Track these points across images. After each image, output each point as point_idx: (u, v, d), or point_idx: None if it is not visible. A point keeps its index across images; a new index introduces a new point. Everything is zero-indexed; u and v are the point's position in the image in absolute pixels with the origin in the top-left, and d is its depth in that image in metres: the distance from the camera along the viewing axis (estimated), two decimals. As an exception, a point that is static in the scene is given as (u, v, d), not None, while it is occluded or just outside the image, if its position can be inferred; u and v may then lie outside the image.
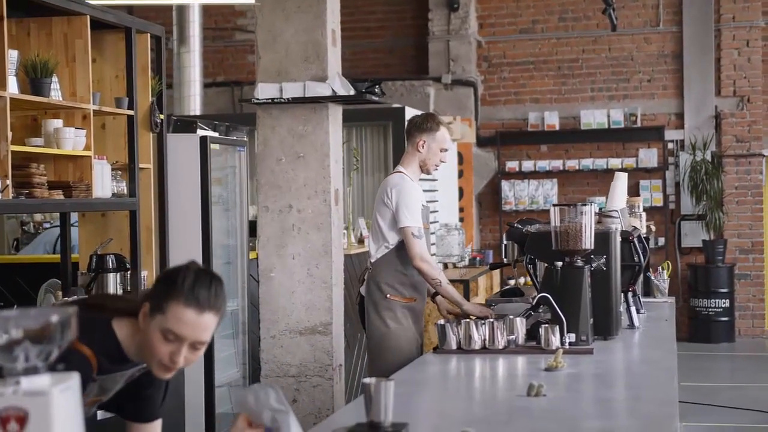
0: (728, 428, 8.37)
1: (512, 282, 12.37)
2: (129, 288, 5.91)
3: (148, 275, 6.11)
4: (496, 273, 11.74)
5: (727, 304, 12.75)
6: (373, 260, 5.54)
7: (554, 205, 4.65)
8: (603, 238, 4.72)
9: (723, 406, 9.03)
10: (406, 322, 5.45)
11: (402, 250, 5.41)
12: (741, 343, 12.80)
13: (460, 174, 12.91)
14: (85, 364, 2.69)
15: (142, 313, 2.72)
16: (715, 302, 12.72)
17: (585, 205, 4.59)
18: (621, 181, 5.82)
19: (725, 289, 12.75)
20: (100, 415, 4.69)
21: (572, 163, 13.28)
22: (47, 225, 9.29)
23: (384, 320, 5.44)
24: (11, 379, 1.80)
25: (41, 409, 1.77)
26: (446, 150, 5.61)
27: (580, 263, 4.57)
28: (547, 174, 13.37)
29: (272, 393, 2.64)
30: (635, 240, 5.22)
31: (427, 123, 5.55)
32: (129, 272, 5.89)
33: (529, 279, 11.94)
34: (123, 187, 5.91)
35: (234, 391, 7.21)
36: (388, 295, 5.46)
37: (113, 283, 5.69)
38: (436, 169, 5.71)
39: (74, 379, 1.85)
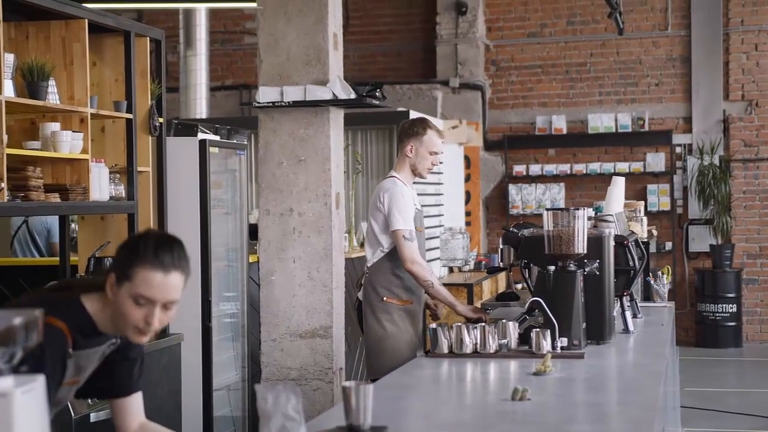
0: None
1: (519, 286, 12.38)
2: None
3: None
4: (502, 277, 11.73)
5: (735, 309, 12.71)
6: (369, 264, 5.61)
7: (547, 210, 4.65)
8: (596, 242, 4.71)
9: (727, 411, 9.01)
10: (403, 325, 5.49)
11: (397, 253, 5.45)
12: (748, 348, 12.76)
13: (468, 178, 12.91)
14: (60, 336, 2.76)
15: (109, 284, 2.80)
16: (723, 307, 12.68)
17: (578, 209, 4.59)
18: (618, 185, 5.82)
19: (732, 294, 12.72)
20: (94, 417, 4.73)
21: (580, 167, 13.26)
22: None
23: (381, 323, 5.49)
24: (-26, 381, 1.82)
25: (3, 411, 1.79)
26: (436, 153, 5.65)
27: (572, 268, 4.57)
28: (555, 178, 13.36)
29: (293, 399, 2.67)
30: (630, 244, 5.21)
31: (414, 128, 5.63)
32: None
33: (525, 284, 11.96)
34: (121, 190, 5.94)
35: (233, 394, 7.23)
36: (384, 298, 5.52)
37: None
38: (430, 172, 5.75)
39: (38, 381, 1.86)
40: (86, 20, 5.57)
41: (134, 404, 3.11)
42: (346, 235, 8.05)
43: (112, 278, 2.80)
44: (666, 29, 13.28)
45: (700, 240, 13.07)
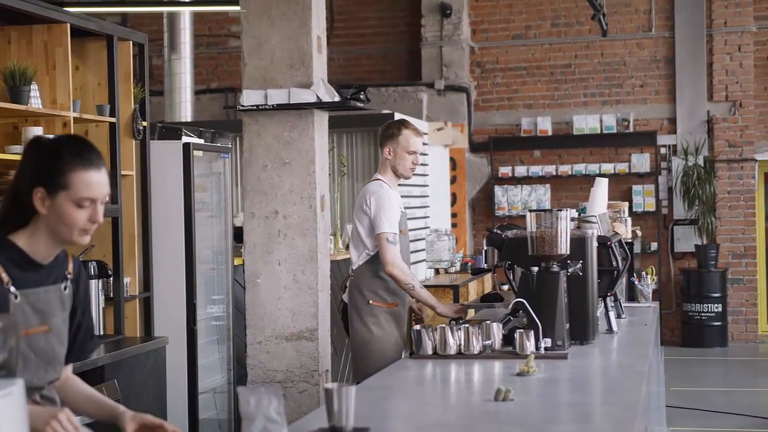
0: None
1: (505, 287, 12.39)
2: (112, 295, 5.92)
3: (130, 282, 6.13)
4: (488, 278, 11.74)
5: (720, 309, 12.76)
6: (354, 267, 5.63)
7: (530, 211, 4.66)
8: (579, 243, 4.73)
9: (713, 410, 9.04)
10: (389, 328, 5.51)
11: None
12: (734, 348, 12.81)
13: (453, 180, 12.93)
14: None
15: (38, 198, 2.78)
16: (708, 307, 12.73)
17: (561, 210, 4.60)
18: (601, 186, 5.83)
19: (718, 294, 12.76)
20: (78, 420, 4.71)
21: (565, 169, 13.30)
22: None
23: (367, 326, 5.51)
24: (-48, 386, 1.82)
25: (-19, 415, 1.79)
26: (415, 152, 5.68)
27: (555, 268, 4.58)
28: (540, 179, 13.39)
29: (275, 402, 2.68)
30: (614, 245, 5.22)
31: (389, 130, 5.73)
32: (111, 279, 5.91)
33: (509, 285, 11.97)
34: (105, 194, 5.93)
35: (219, 397, 7.22)
36: (370, 301, 5.55)
37: (95, 290, 5.69)
38: (413, 171, 5.76)
39: (17, 386, 1.87)
40: (68, 24, 5.57)
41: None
42: (332, 237, 8.06)
43: (40, 193, 2.78)
44: (650, 30, 13.33)
45: (686, 240, 13.11)
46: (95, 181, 2.80)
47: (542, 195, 13.37)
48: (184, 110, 10.59)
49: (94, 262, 5.73)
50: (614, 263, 5.21)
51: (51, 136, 2.89)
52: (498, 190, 13.45)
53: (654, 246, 13.07)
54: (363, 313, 5.54)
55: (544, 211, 4.64)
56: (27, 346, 2.79)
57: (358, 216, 5.61)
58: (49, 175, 2.78)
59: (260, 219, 6.09)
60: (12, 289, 2.78)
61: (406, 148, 5.66)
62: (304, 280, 6.09)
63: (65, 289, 2.93)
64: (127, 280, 6.02)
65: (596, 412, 3.31)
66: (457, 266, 10.82)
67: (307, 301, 6.08)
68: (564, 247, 4.56)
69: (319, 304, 6.08)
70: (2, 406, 1.80)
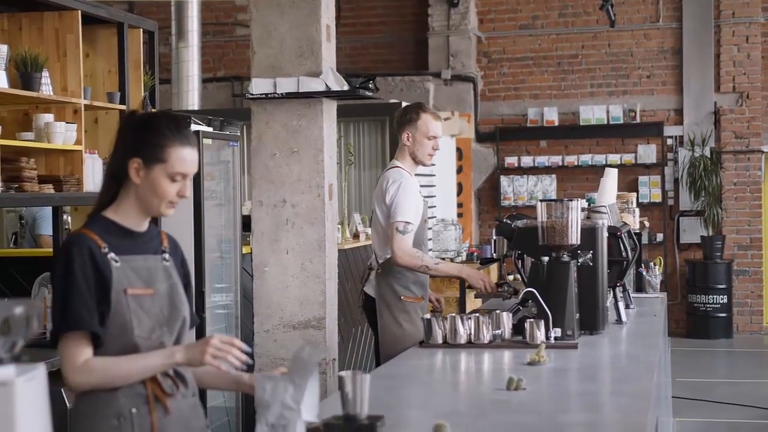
0: (723, 424, 8.38)
1: (510, 277, 12.40)
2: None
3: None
4: (495, 268, 11.75)
5: (725, 300, 12.76)
6: (381, 260, 5.44)
7: (541, 201, 4.66)
8: (590, 233, 4.73)
9: (717, 401, 9.05)
10: (419, 322, 5.38)
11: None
12: (739, 339, 12.82)
13: (459, 169, 12.93)
14: (81, 238, 2.90)
15: (133, 169, 2.92)
16: (713, 298, 12.73)
17: (572, 200, 4.60)
18: (611, 176, 5.83)
19: (723, 285, 12.76)
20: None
21: (571, 159, 13.29)
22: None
23: (399, 322, 5.37)
24: (-25, 370, 1.83)
25: (5, 400, 1.80)
26: (434, 137, 5.50)
27: (566, 258, 4.58)
28: (546, 170, 13.39)
29: (291, 389, 2.70)
30: (623, 235, 5.22)
31: (406, 114, 5.52)
32: (121, 266, 5.91)
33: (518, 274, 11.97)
34: (115, 181, 5.93)
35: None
36: (402, 297, 5.39)
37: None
38: (432, 158, 5.59)
39: (40, 370, 1.88)
40: (79, 11, 5.57)
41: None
42: (339, 226, 8.06)
43: (136, 163, 2.92)
44: (657, 21, 13.31)
45: (691, 231, 13.11)
46: (190, 157, 2.96)
47: (548, 185, 13.36)
48: (192, 98, 10.58)
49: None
50: (624, 253, 5.20)
51: (146, 112, 3.07)
52: (504, 181, 13.44)
53: (660, 237, 13.07)
54: (395, 309, 5.38)
55: (555, 201, 4.63)
56: (136, 305, 2.92)
57: (379, 206, 5.44)
58: (148, 148, 2.93)
59: (268, 207, 6.09)
60: (111, 254, 2.91)
61: (426, 133, 5.47)
62: (312, 269, 6.09)
63: (166, 260, 3.06)
64: (136, 266, 6.02)
65: (609, 402, 3.32)
66: (464, 256, 10.82)
67: (315, 290, 6.08)
68: (575, 237, 4.56)
69: (327, 293, 6.08)
70: (26, 390, 1.81)
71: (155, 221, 3.22)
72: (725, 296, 12.75)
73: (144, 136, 2.94)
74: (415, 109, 5.55)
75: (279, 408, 2.72)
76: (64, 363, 2.89)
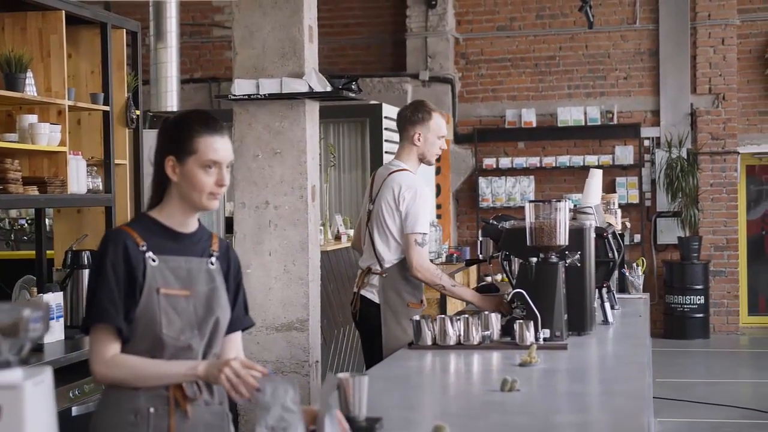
0: (702, 423, 8.42)
1: (488, 279, 12.42)
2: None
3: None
4: (473, 270, 11.77)
5: (702, 301, 12.83)
6: (387, 265, 5.22)
7: (530, 202, 4.66)
8: (578, 234, 4.74)
9: (697, 401, 9.09)
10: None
11: None
12: (715, 339, 12.89)
13: (438, 171, 12.94)
14: (121, 233, 2.97)
15: (170, 167, 2.99)
16: (690, 299, 12.80)
17: (560, 201, 4.61)
18: (596, 177, 5.84)
19: (700, 286, 12.83)
20: (75, 410, 4.69)
21: (549, 160, 13.33)
22: (22, 222, 9.24)
23: (404, 328, 5.13)
24: (-17, 374, 1.80)
25: (14, 403, 1.77)
26: (443, 136, 5.32)
27: (554, 259, 4.59)
28: (525, 171, 13.42)
29: (290, 392, 2.69)
30: (609, 236, 5.24)
31: (418, 114, 5.27)
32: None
33: (505, 275, 11.97)
34: (99, 183, 5.89)
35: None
36: (409, 304, 5.23)
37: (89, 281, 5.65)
38: (437, 158, 5.44)
39: (47, 374, 1.85)
40: (63, 12, 5.52)
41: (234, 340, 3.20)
42: (321, 228, 8.04)
43: (171, 161, 2.98)
44: (634, 23, 13.37)
45: (668, 232, 13.18)
46: (220, 145, 3.00)
47: (526, 187, 13.40)
48: (170, 100, 10.50)
49: (87, 252, 5.69)
50: (610, 254, 5.22)
51: (178, 113, 3.16)
52: (482, 182, 13.46)
53: (637, 238, 13.13)
54: (400, 315, 5.19)
55: (543, 202, 4.64)
56: (168, 304, 2.95)
57: (387, 210, 5.18)
58: (178, 143, 3.00)
59: (251, 209, 6.07)
60: (149, 253, 2.96)
61: (438, 132, 5.27)
62: (294, 270, 6.08)
63: (212, 264, 3.07)
64: (120, 269, 5.96)
65: (604, 403, 3.32)
66: (443, 257, 10.82)
67: (298, 292, 6.07)
68: (563, 238, 4.57)
69: (310, 294, 6.07)
70: (34, 394, 1.79)
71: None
72: (702, 297, 12.82)
73: (174, 134, 3.03)
74: (425, 108, 5.31)
75: (279, 410, 2.71)
76: (91, 354, 2.95)
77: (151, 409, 2.93)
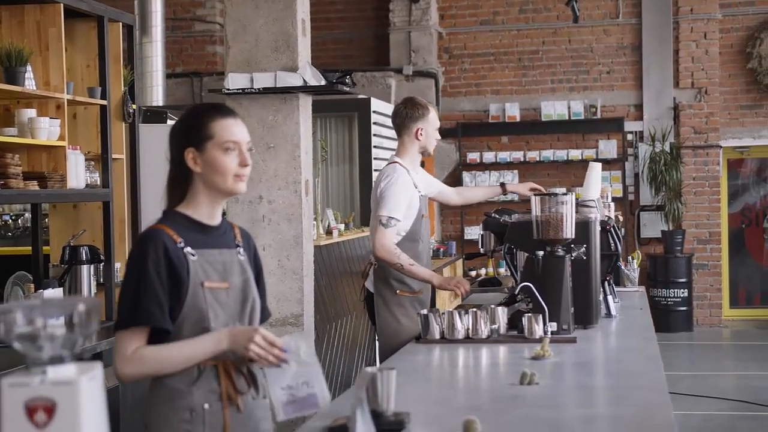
0: (695, 416, 8.46)
1: (473, 273, 12.43)
2: (102, 280, 5.84)
3: (121, 267, 6.05)
4: (459, 264, 11.78)
5: (686, 294, 12.89)
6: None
7: (535, 195, 4.66)
8: (583, 227, 4.73)
9: (682, 393, 9.13)
10: (416, 316, 5.33)
11: (406, 243, 5.31)
12: (699, 332, 12.96)
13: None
14: (158, 232, 2.94)
15: (190, 159, 2.98)
16: (674, 292, 12.85)
17: (566, 194, 4.60)
18: (595, 171, 5.85)
19: (683, 279, 12.89)
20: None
21: (533, 155, 13.34)
22: (6, 218, 9.16)
23: (396, 316, 5.34)
24: (37, 369, 1.78)
25: (69, 399, 1.75)
26: (437, 128, 5.60)
27: (561, 252, 4.58)
28: (508, 165, 13.42)
29: (303, 346, 2.68)
30: (612, 229, 5.25)
31: (416, 110, 5.47)
32: (102, 264, 5.83)
33: (492, 270, 11.94)
34: (96, 177, 5.84)
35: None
36: (398, 291, 5.37)
37: (87, 275, 5.61)
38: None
39: (98, 369, 1.83)
40: (62, 5, 5.46)
41: None
42: (314, 223, 8.02)
43: (191, 152, 2.97)
44: (617, 17, 13.40)
45: (652, 226, 13.23)
46: (233, 125, 3.00)
47: (510, 181, 13.39)
48: (156, 94, 10.44)
49: (85, 247, 5.65)
50: (613, 247, 5.23)
51: (189, 107, 3.14)
52: (466, 176, 13.46)
53: (621, 232, 13.14)
54: (390, 303, 5.36)
55: (549, 195, 4.63)
56: (212, 298, 2.94)
57: (373, 201, 5.42)
58: (194, 132, 2.99)
59: (244, 204, 6.05)
60: (188, 248, 2.94)
61: (435, 125, 5.55)
62: (289, 265, 6.07)
63: (240, 255, 3.06)
64: (118, 264, 5.93)
65: (628, 396, 3.30)
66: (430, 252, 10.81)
67: (293, 287, 6.06)
68: (569, 231, 4.56)
69: (304, 289, 6.06)
70: (88, 389, 1.77)
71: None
72: (685, 290, 12.88)
73: (188, 126, 3.02)
74: (421, 103, 5.53)
75: (295, 366, 2.70)
76: (115, 354, 2.90)
77: (206, 406, 2.90)
